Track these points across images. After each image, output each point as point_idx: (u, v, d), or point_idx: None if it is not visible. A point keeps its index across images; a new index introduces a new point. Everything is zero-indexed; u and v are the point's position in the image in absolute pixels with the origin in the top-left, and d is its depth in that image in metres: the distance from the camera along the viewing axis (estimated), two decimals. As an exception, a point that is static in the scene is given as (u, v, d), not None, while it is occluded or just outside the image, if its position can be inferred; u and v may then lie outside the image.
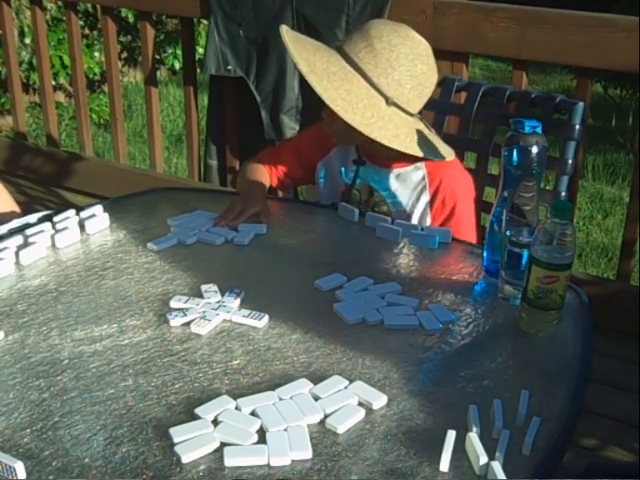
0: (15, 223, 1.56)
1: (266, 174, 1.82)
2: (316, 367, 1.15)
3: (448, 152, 1.66)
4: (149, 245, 1.51)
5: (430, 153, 1.63)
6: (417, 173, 1.71)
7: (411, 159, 1.68)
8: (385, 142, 1.57)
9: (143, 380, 1.12)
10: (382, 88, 1.59)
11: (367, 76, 1.59)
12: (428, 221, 1.71)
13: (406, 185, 1.72)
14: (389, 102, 1.60)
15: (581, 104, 1.82)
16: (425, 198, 1.70)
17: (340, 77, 1.57)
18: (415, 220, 1.71)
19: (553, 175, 1.84)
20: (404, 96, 1.61)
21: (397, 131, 1.59)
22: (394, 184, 1.73)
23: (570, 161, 1.82)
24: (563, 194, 1.83)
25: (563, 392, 1.13)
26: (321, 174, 1.84)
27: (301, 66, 1.55)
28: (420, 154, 1.61)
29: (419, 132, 1.63)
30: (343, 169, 1.80)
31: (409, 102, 1.62)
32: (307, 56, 1.58)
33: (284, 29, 1.61)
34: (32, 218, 1.59)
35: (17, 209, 1.82)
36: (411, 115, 1.64)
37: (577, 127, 1.81)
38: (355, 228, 1.64)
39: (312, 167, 1.85)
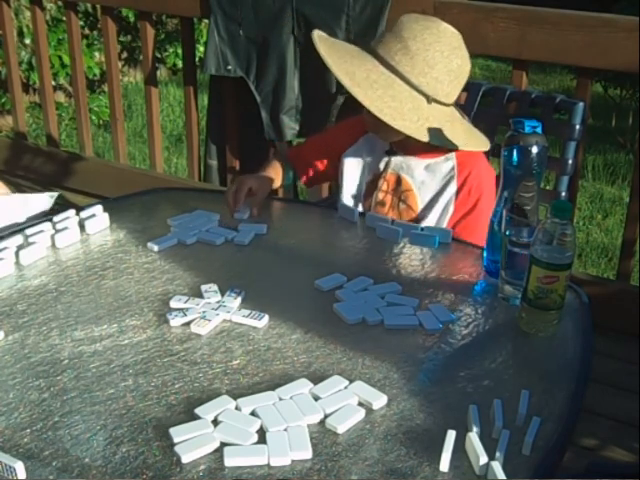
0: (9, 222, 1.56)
1: (278, 168, 1.85)
2: (316, 367, 1.15)
3: (485, 142, 1.71)
4: (149, 245, 1.51)
5: (473, 145, 1.67)
6: (447, 164, 1.73)
7: (443, 150, 1.72)
8: (437, 142, 1.62)
9: (143, 380, 1.12)
10: (422, 88, 1.62)
11: (406, 78, 1.62)
12: (451, 210, 1.72)
13: (434, 175, 1.73)
14: (429, 100, 1.64)
15: (581, 104, 1.82)
16: (452, 188, 1.72)
17: (382, 84, 1.61)
18: (439, 209, 1.72)
19: (553, 175, 1.85)
20: (443, 91, 1.65)
21: (442, 127, 1.64)
22: (423, 174, 1.74)
23: (570, 161, 1.82)
24: (563, 194, 1.83)
25: (563, 392, 1.13)
26: (346, 163, 1.84)
27: (343, 80, 1.59)
28: (466, 148, 1.65)
29: (461, 124, 1.69)
30: (370, 158, 1.81)
31: (447, 95, 1.66)
32: (346, 67, 1.62)
33: (316, 37, 1.65)
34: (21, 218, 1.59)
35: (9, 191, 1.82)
36: (449, 106, 1.68)
37: (577, 127, 1.81)
38: (355, 228, 1.64)
39: (339, 156, 1.86)
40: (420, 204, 1.74)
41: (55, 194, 1.70)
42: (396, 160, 1.77)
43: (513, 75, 2.54)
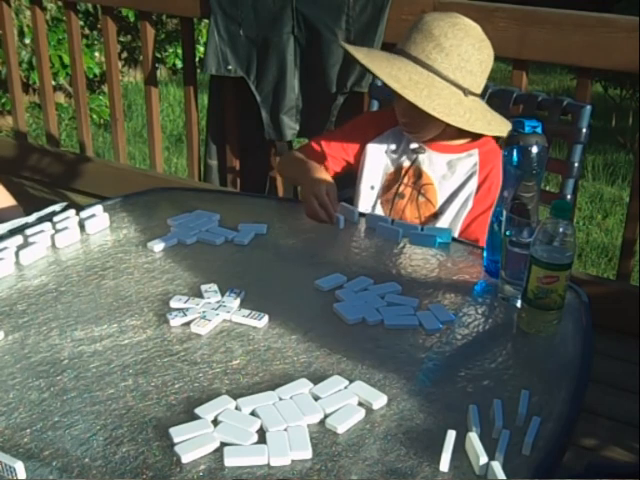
0: (16, 222, 1.56)
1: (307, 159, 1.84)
2: (316, 367, 1.15)
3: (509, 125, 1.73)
4: (149, 245, 1.51)
5: (504, 130, 1.68)
6: (469, 160, 1.76)
7: (466, 146, 1.77)
8: (485, 132, 1.69)
9: (143, 380, 1.12)
10: (459, 82, 1.67)
11: (443, 75, 1.66)
12: (469, 205, 1.74)
13: (456, 171, 1.76)
14: (466, 93, 1.68)
15: (588, 107, 1.83)
16: (474, 184, 1.74)
17: (425, 84, 1.65)
18: (458, 204, 1.75)
19: (553, 175, 1.85)
20: (476, 82, 1.70)
21: (484, 117, 1.70)
22: (444, 169, 1.77)
23: (577, 164, 1.83)
24: (569, 197, 1.83)
25: (563, 392, 1.13)
26: (369, 153, 1.85)
27: (392, 84, 1.63)
28: (504, 134, 1.65)
29: (492, 112, 1.73)
30: (394, 152, 1.83)
31: (479, 86, 1.72)
32: (389, 71, 1.66)
33: (349, 47, 1.72)
34: (31, 218, 1.59)
35: (15, 204, 1.81)
36: (479, 96, 1.73)
37: (584, 130, 1.81)
38: (355, 228, 1.64)
39: (363, 147, 1.87)
40: (440, 198, 1.76)
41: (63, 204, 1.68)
42: (419, 154, 1.79)
43: (513, 75, 2.54)
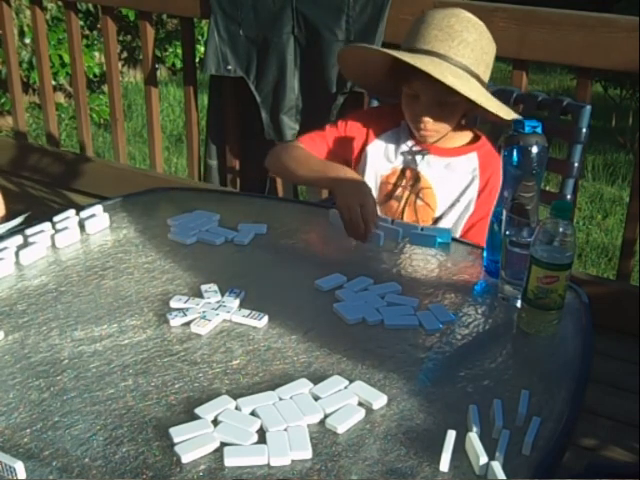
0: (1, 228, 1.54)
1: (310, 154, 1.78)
2: (316, 367, 1.15)
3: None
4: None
5: (515, 115, 1.69)
6: (469, 163, 1.75)
7: (465, 149, 1.76)
8: (514, 117, 1.64)
9: (143, 380, 1.12)
10: (482, 76, 1.68)
11: (470, 70, 1.65)
12: (471, 209, 1.73)
13: (455, 174, 1.75)
14: (485, 86, 1.69)
15: (588, 107, 1.83)
16: (475, 188, 1.74)
17: (463, 81, 1.62)
18: (460, 208, 1.74)
19: (553, 175, 1.85)
20: (487, 76, 1.71)
21: (502, 107, 1.68)
22: (442, 172, 1.76)
23: (576, 164, 1.83)
24: (569, 197, 1.83)
25: (563, 392, 1.13)
26: (370, 153, 1.82)
27: (449, 81, 1.58)
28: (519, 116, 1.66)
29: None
30: (392, 153, 1.80)
31: (487, 78, 1.72)
32: (441, 71, 1.61)
33: (383, 50, 1.69)
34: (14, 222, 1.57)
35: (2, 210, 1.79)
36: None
37: (584, 130, 1.81)
38: (355, 228, 1.64)
39: (362, 147, 1.84)
40: (439, 202, 1.75)
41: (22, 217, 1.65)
42: (418, 157, 1.78)
43: (513, 75, 2.54)
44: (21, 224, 1.58)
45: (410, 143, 1.79)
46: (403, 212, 1.77)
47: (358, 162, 1.84)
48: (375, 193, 1.78)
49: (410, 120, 1.76)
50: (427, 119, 1.71)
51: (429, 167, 1.76)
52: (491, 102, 1.65)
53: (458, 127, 1.76)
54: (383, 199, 1.80)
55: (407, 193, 1.77)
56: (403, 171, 1.78)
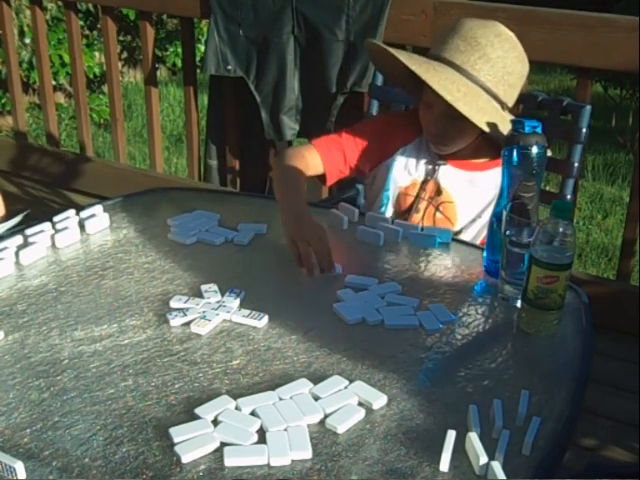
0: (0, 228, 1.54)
1: (302, 177, 1.68)
2: (316, 367, 1.15)
3: None
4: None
5: None
6: (494, 179, 1.64)
7: (488, 164, 1.70)
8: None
9: (143, 380, 1.12)
10: (500, 95, 1.63)
11: (486, 87, 1.61)
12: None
13: (478, 190, 1.71)
14: (504, 107, 1.64)
15: (588, 107, 1.83)
16: None
17: (472, 96, 1.59)
18: (479, 224, 1.70)
19: (553, 176, 1.84)
20: (513, 97, 1.66)
21: None
22: (465, 187, 1.72)
23: (577, 164, 1.83)
24: (569, 197, 1.82)
25: (563, 392, 1.13)
26: (396, 168, 1.78)
27: (447, 96, 1.56)
28: None
29: None
30: (413, 164, 1.77)
31: (514, 100, 1.67)
32: (438, 80, 1.58)
33: (394, 52, 1.63)
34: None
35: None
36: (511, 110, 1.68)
37: (584, 130, 1.81)
38: (355, 228, 1.64)
39: (386, 155, 1.79)
40: (459, 217, 1.72)
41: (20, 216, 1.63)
42: (441, 170, 1.74)
43: (513, 75, 2.54)
44: (20, 222, 1.58)
45: (430, 155, 1.75)
46: (420, 223, 1.72)
47: (374, 175, 1.82)
48: (392, 205, 1.77)
49: (423, 127, 1.73)
50: (437, 129, 1.68)
51: (452, 181, 1.72)
52: (495, 126, 1.57)
53: (485, 141, 1.70)
54: (401, 211, 1.77)
55: (426, 205, 1.73)
56: (423, 183, 1.75)
